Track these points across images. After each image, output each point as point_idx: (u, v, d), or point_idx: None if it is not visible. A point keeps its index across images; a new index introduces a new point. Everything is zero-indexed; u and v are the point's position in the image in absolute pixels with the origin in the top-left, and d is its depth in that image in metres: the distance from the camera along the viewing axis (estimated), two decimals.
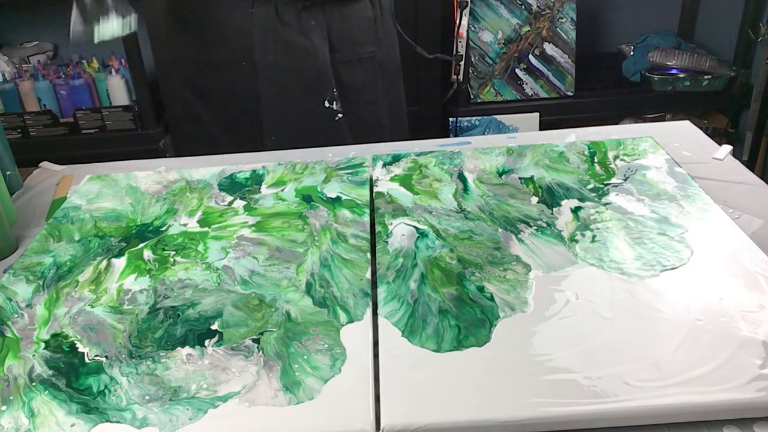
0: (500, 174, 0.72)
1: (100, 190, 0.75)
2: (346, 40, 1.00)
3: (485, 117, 1.77)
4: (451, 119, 1.77)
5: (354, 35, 1.01)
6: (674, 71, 1.77)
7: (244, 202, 0.70)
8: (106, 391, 0.47)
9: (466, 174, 0.73)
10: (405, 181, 0.72)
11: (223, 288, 0.57)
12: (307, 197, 0.70)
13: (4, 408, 0.46)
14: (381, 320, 0.51)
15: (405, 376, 0.46)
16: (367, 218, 0.66)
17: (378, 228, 0.63)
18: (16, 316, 0.55)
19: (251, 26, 0.93)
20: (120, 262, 0.62)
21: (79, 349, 0.51)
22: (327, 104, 0.99)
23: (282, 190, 0.72)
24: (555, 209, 0.65)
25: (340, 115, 1.00)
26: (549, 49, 1.75)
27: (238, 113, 0.98)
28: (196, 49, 0.98)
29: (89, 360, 0.50)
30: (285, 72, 0.96)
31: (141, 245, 0.64)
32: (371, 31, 1.03)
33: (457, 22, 1.65)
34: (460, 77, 1.71)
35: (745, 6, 1.74)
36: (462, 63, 1.69)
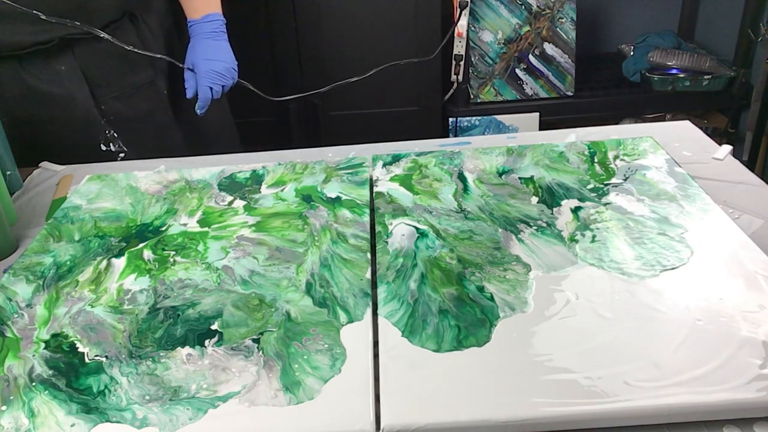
0: (500, 174, 0.72)
1: (100, 190, 0.75)
2: (111, 74, 0.93)
3: (485, 117, 1.77)
4: (451, 119, 1.77)
5: (119, 67, 0.93)
6: (674, 71, 1.77)
7: (244, 202, 0.70)
8: (106, 391, 0.47)
9: (466, 174, 0.72)
10: (405, 181, 0.72)
11: (223, 288, 0.57)
12: (307, 197, 0.70)
13: (4, 408, 0.46)
14: (381, 320, 0.51)
15: (405, 376, 0.46)
16: (367, 218, 0.66)
17: (378, 228, 0.63)
18: (16, 316, 0.55)
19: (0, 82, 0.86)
20: (120, 262, 0.62)
21: (79, 349, 0.51)
22: (104, 147, 0.93)
23: (282, 190, 0.72)
24: (555, 209, 0.65)
25: (123, 154, 0.93)
26: (549, 49, 1.74)
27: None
28: None
29: (89, 360, 0.50)
30: (44, 124, 0.89)
31: (141, 245, 0.64)
32: (141, 56, 0.94)
33: (457, 22, 1.65)
34: (460, 77, 1.71)
35: (745, 6, 1.74)
36: (462, 63, 1.69)
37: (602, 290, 0.53)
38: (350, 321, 0.52)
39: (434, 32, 1.66)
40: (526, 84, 1.77)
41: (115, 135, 0.94)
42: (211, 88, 0.95)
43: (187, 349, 0.50)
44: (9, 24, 0.84)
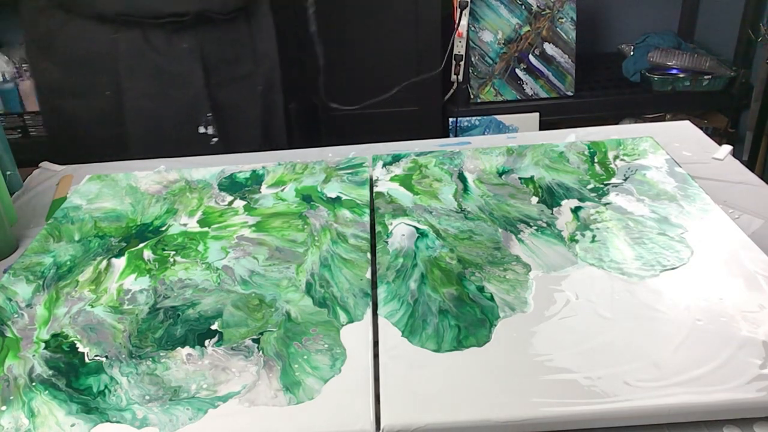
0: (500, 174, 0.72)
1: (100, 190, 0.75)
2: (221, 62, 0.95)
3: (485, 117, 1.77)
4: (451, 119, 1.77)
5: (229, 56, 0.96)
6: (674, 71, 1.77)
7: (244, 202, 0.70)
8: (106, 391, 0.47)
9: (466, 174, 0.72)
10: (405, 181, 0.72)
11: (223, 288, 0.57)
12: (307, 197, 0.70)
13: (4, 408, 0.46)
14: (381, 320, 0.51)
15: (405, 376, 0.46)
16: (367, 218, 0.66)
17: (378, 228, 0.63)
18: (16, 316, 0.55)
19: (116, 52, 0.88)
20: (120, 262, 0.62)
21: (79, 349, 0.51)
22: (202, 130, 0.95)
23: (282, 190, 0.72)
24: (555, 209, 0.65)
25: (215, 139, 0.95)
26: (549, 49, 1.75)
27: (98, 145, 0.93)
28: (60, 78, 0.92)
29: (89, 360, 0.50)
30: (155, 99, 0.91)
31: (141, 245, 0.64)
32: (248, 49, 0.98)
33: (457, 22, 1.65)
34: (460, 77, 1.71)
35: (745, 6, 1.74)
36: (462, 63, 1.69)
37: (602, 290, 0.53)
38: (350, 321, 0.52)
39: (434, 32, 1.66)
40: (526, 84, 1.77)
41: (213, 120, 0.95)
42: None
43: (187, 349, 0.50)
44: None
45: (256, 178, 0.75)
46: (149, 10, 0.88)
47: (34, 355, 0.51)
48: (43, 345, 0.52)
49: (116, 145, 0.93)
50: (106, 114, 0.91)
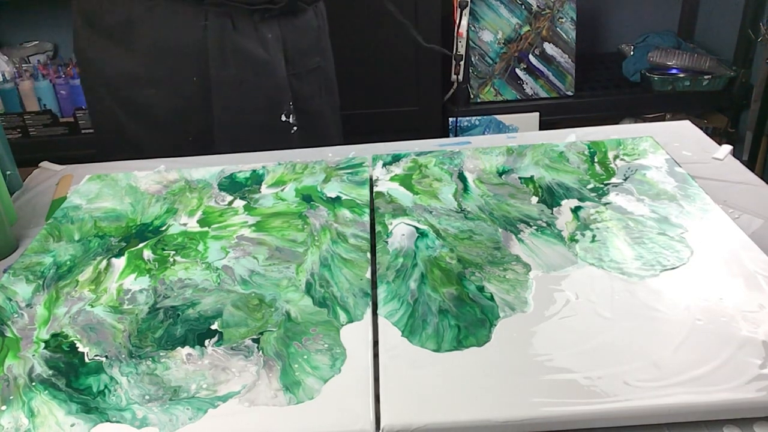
0: (500, 174, 0.72)
1: (100, 190, 0.75)
2: (298, 52, 0.98)
3: (485, 117, 1.77)
4: (451, 119, 1.77)
5: (304, 46, 0.99)
6: (674, 71, 1.77)
7: (244, 202, 0.70)
8: (106, 390, 0.47)
9: (466, 174, 0.73)
10: (405, 180, 0.72)
11: (223, 288, 0.57)
12: (307, 197, 0.70)
13: (4, 408, 0.46)
14: (381, 320, 0.51)
15: (405, 376, 0.46)
16: (367, 218, 0.66)
17: (378, 228, 0.63)
18: (16, 316, 0.55)
19: (205, 39, 0.89)
20: (120, 262, 0.62)
21: (79, 349, 0.51)
22: (284, 118, 0.96)
23: (282, 190, 0.72)
24: (555, 209, 0.65)
25: (296, 128, 0.97)
26: (549, 49, 1.75)
27: (181, 134, 0.94)
28: (138, 66, 0.91)
29: (89, 360, 0.50)
30: (242, 86, 0.92)
31: (141, 245, 0.64)
32: (317, 41, 1.01)
33: (457, 22, 1.65)
34: (460, 77, 1.71)
35: (745, 6, 1.74)
36: (462, 63, 1.69)
37: (602, 290, 0.53)
38: (350, 321, 0.52)
39: (434, 32, 1.66)
40: (526, 84, 1.77)
41: (293, 109, 0.97)
42: None
43: (187, 349, 0.50)
44: None
45: (256, 178, 0.75)
46: None
47: (34, 355, 0.51)
48: (43, 345, 0.52)
49: (201, 137, 0.93)
50: (191, 104, 0.91)
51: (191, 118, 0.92)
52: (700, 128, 0.85)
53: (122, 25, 0.90)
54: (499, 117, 1.78)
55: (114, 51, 0.92)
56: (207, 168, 0.78)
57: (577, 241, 0.60)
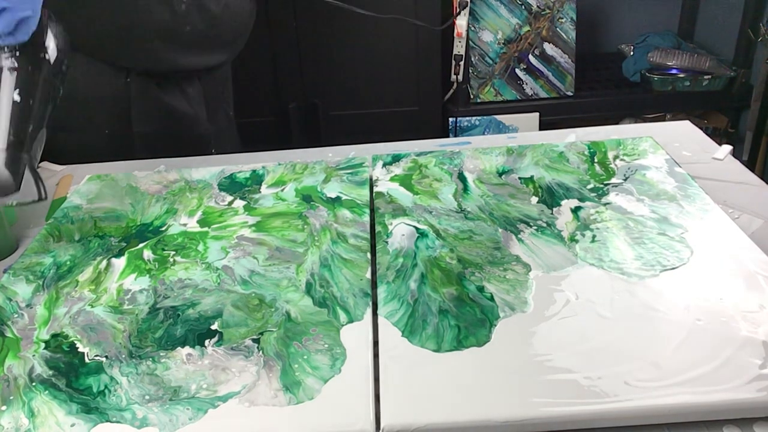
0: (500, 174, 0.72)
1: (100, 190, 0.75)
2: (213, 99, 1.00)
3: (485, 117, 1.77)
4: (451, 119, 1.77)
5: (218, 92, 1.02)
6: (674, 71, 1.77)
7: (244, 202, 0.70)
8: (106, 391, 0.47)
9: (466, 174, 0.73)
10: (405, 181, 0.72)
11: (223, 288, 0.57)
12: (307, 197, 0.70)
13: (4, 408, 0.46)
14: (381, 320, 0.51)
15: (405, 376, 0.46)
16: (367, 218, 0.66)
17: (378, 228, 0.63)
18: (16, 316, 0.55)
19: (127, 94, 0.89)
20: (120, 262, 0.62)
21: (79, 349, 0.51)
22: None
23: (282, 190, 0.72)
24: (555, 209, 0.65)
25: None
26: (549, 49, 1.75)
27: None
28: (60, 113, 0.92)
29: (89, 360, 0.50)
30: (164, 138, 0.94)
31: (141, 245, 0.64)
32: (227, 88, 1.05)
33: (457, 22, 1.65)
34: (460, 77, 1.71)
35: (745, 6, 1.74)
36: (462, 63, 1.69)
37: (602, 290, 0.53)
38: (350, 321, 0.52)
39: (434, 32, 1.66)
40: (526, 84, 1.77)
41: (214, 153, 1.00)
42: None
43: (187, 349, 0.50)
44: (181, 49, 0.90)
45: (256, 178, 0.75)
46: (166, 67, 0.91)
47: (34, 355, 0.51)
48: (43, 345, 0.52)
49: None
50: (109, 152, 0.91)
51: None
52: (700, 128, 0.85)
53: None
54: (499, 117, 1.77)
55: None
56: (207, 168, 0.78)
57: (577, 241, 0.60)
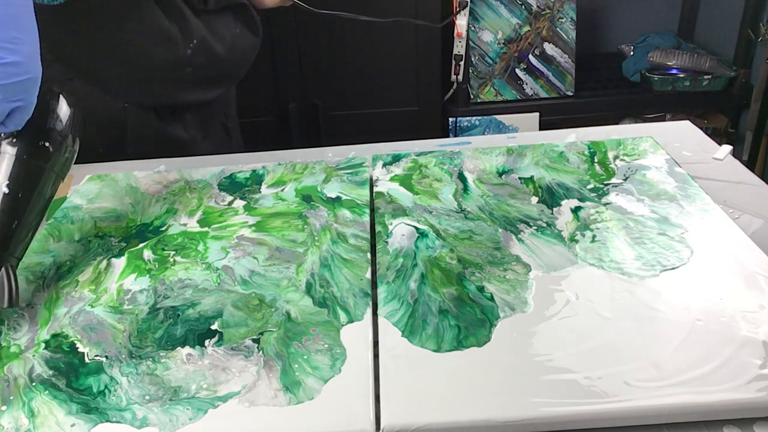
0: (500, 174, 0.72)
1: (100, 190, 0.75)
2: (211, 118, 1.00)
3: (485, 117, 1.77)
4: (451, 119, 1.77)
5: (217, 113, 1.02)
6: (674, 71, 1.77)
7: (244, 202, 0.70)
8: (106, 391, 0.47)
9: (466, 174, 0.73)
10: (405, 181, 0.72)
11: (223, 288, 0.57)
12: (307, 197, 0.70)
13: (4, 408, 0.46)
14: (381, 320, 0.51)
15: (405, 376, 0.46)
16: (367, 218, 0.66)
17: (378, 228, 0.63)
18: (16, 316, 0.55)
19: (123, 119, 0.89)
20: (120, 262, 0.62)
21: (79, 349, 0.51)
22: None
23: (282, 190, 0.72)
24: (555, 209, 0.65)
25: None
26: (549, 49, 1.75)
27: None
28: None
29: (89, 360, 0.50)
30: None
31: (141, 245, 0.64)
32: (226, 104, 1.05)
33: (457, 22, 1.65)
34: (460, 77, 1.71)
35: (745, 6, 1.74)
36: (462, 63, 1.69)
37: (602, 290, 0.53)
38: (350, 321, 0.52)
39: (434, 32, 1.66)
40: (526, 84, 1.78)
41: None
42: None
43: (187, 349, 0.50)
44: (178, 85, 0.90)
45: (256, 178, 0.75)
46: (164, 101, 0.91)
47: (34, 355, 0.51)
48: (43, 345, 0.52)
49: None
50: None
51: None
52: (700, 128, 0.85)
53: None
54: (499, 117, 1.78)
55: None
56: (207, 168, 0.78)
57: (577, 241, 0.60)
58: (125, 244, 0.64)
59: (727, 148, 0.78)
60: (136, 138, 0.90)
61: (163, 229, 0.67)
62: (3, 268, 0.54)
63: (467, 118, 1.77)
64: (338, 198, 0.69)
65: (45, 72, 0.53)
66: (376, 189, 0.70)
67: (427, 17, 1.64)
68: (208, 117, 0.99)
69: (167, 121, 0.92)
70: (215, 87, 0.96)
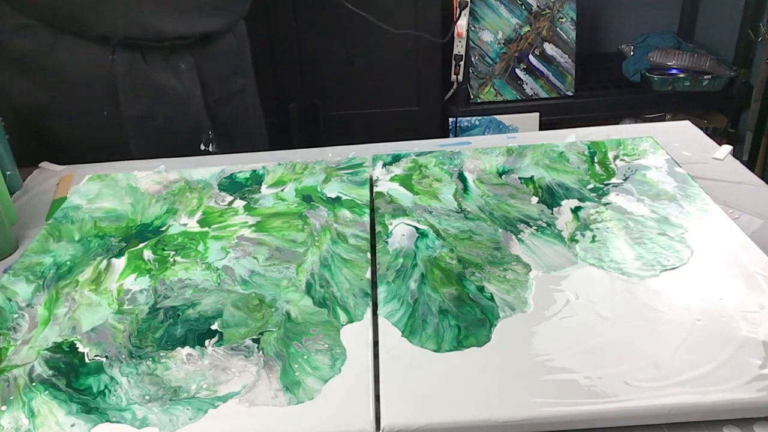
0: (500, 174, 0.72)
1: (100, 190, 0.75)
2: (217, 78, 0.96)
3: (485, 117, 1.77)
4: (451, 119, 1.77)
5: (224, 72, 0.97)
6: (674, 71, 1.77)
7: (244, 202, 0.70)
8: (106, 391, 0.47)
9: (466, 174, 0.73)
10: (405, 181, 0.72)
11: (223, 288, 0.57)
12: (307, 197, 0.70)
13: (4, 408, 0.46)
14: (381, 320, 0.51)
15: (405, 376, 0.46)
16: (367, 218, 0.66)
17: (378, 228, 0.63)
18: (16, 316, 0.55)
19: (114, 74, 0.86)
20: (120, 262, 0.62)
21: (79, 349, 0.51)
22: (203, 147, 0.95)
23: (282, 190, 0.72)
24: (555, 209, 0.65)
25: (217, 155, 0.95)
26: (549, 49, 1.75)
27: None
28: (45, 98, 0.88)
29: (89, 360, 0.50)
30: (156, 119, 0.90)
31: (141, 245, 0.64)
32: (239, 63, 0.99)
33: (457, 22, 1.65)
34: (460, 77, 1.71)
35: (745, 6, 1.74)
36: (462, 63, 1.69)
37: (602, 290, 0.53)
38: (350, 321, 0.52)
39: (434, 32, 1.66)
40: (526, 84, 1.77)
41: (213, 138, 0.96)
42: None
43: (187, 349, 0.50)
44: (165, 13, 0.85)
45: (256, 178, 0.75)
46: (151, 34, 0.86)
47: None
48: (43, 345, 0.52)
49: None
50: (103, 136, 0.88)
51: (106, 151, 0.89)
52: (700, 128, 0.85)
53: (27, 56, 0.87)
54: (499, 117, 1.78)
55: (19, 81, 0.89)
56: (207, 168, 0.78)
57: (577, 241, 0.60)
58: (125, 244, 0.64)
59: (727, 148, 0.78)
60: (129, 93, 0.87)
61: (163, 229, 0.67)
62: None
63: (467, 118, 1.77)
64: (338, 198, 0.69)
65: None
66: (376, 189, 0.70)
67: (427, 17, 1.64)
68: (209, 72, 0.95)
69: (159, 70, 0.89)
70: (204, 17, 0.90)
